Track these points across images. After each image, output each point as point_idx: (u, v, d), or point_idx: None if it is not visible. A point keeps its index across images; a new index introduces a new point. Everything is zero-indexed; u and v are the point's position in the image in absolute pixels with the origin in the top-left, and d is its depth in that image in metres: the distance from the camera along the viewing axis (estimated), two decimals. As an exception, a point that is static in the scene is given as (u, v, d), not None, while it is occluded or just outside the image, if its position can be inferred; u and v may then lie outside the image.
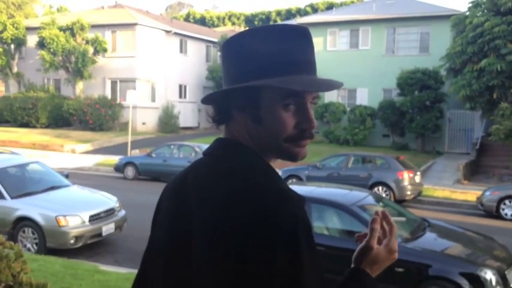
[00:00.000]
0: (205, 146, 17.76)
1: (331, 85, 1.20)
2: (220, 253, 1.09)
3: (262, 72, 1.16)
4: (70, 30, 28.31)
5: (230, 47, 1.23)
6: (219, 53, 33.69)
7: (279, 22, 46.10)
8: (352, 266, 1.32)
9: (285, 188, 1.15)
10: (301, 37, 1.20)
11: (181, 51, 32.34)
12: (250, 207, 1.08)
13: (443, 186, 16.66)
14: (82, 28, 28.46)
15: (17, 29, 30.27)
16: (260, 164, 1.20)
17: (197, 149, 17.22)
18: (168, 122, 29.73)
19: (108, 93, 29.45)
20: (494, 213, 13.02)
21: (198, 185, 1.21)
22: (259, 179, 1.15)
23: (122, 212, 9.39)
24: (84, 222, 8.47)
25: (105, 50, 28.64)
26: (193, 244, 1.15)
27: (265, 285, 1.04)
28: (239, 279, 1.06)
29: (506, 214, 12.92)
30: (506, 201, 12.98)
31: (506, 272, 5.96)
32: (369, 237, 1.33)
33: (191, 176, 1.25)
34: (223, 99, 1.23)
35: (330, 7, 47.11)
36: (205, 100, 1.27)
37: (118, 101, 28.22)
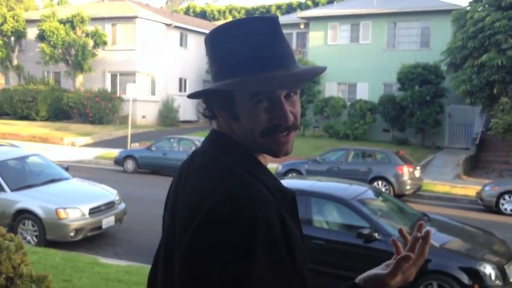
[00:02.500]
0: (205, 140, 17.76)
1: (298, 79, 1.18)
2: (181, 249, 1.10)
3: (232, 70, 1.17)
4: (70, 23, 28.24)
5: (206, 43, 1.25)
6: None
7: (280, 16, 45.95)
8: (358, 282, 1.28)
9: (257, 185, 1.13)
10: (268, 30, 1.18)
11: (181, 44, 32.27)
12: (210, 205, 1.08)
13: (443, 181, 16.67)
14: (82, 21, 28.40)
15: (17, 21, 30.18)
16: (242, 158, 1.20)
17: (197, 143, 17.21)
18: (168, 116, 29.72)
19: (108, 87, 29.41)
20: (494, 208, 13.04)
21: (186, 176, 1.23)
22: (233, 175, 1.14)
23: (122, 205, 9.40)
24: (84, 215, 8.48)
25: (105, 43, 28.59)
26: (174, 237, 1.18)
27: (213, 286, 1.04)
28: (191, 278, 1.07)
29: (505, 209, 12.93)
30: (506, 196, 12.99)
31: (505, 267, 5.97)
32: (392, 272, 1.25)
33: (186, 165, 1.28)
34: (206, 96, 1.26)
35: (331, 1, 46.94)
36: (190, 96, 1.29)
37: (118, 94, 28.20)
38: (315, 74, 1.19)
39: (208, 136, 1.28)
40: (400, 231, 1.34)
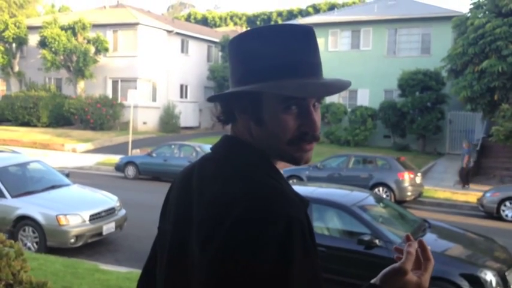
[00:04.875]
0: (206, 146, 17.77)
1: (328, 89, 1.16)
2: (209, 253, 1.08)
3: (262, 74, 1.15)
4: (72, 29, 28.32)
5: (233, 47, 1.23)
6: (220, 53, 33.72)
7: (281, 22, 46.09)
8: (375, 282, 1.26)
9: (285, 189, 1.14)
10: (303, 37, 1.17)
11: (182, 51, 32.34)
12: (243, 207, 1.07)
13: (444, 187, 16.65)
14: (84, 27, 28.48)
15: (18, 28, 30.26)
16: (263, 164, 1.19)
17: (198, 149, 17.22)
18: (169, 122, 29.74)
19: (109, 93, 29.46)
20: (495, 215, 13.02)
21: (200, 182, 1.21)
22: (258, 179, 1.14)
23: (123, 211, 9.38)
24: (84, 221, 8.47)
25: (106, 50, 28.65)
26: (190, 242, 1.15)
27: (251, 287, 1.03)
28: (226, 280, 1.05)
29: (506, 215, 12.91)
30: (507, 203, 12.97)
31: (506, 273, 5.95)
32: (405, 260, 1.23)
33: (196, 172, 1.25)
34: (227, 100, 1.23)
35: (331, 8, 47.06)
36: (211, 99, 1.27)
37: (119, 101, 28.25)
38: (343, 87, 1.18)
39: (222, 142, 1.26)
40: (407, 237, 1.32)
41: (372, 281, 1.27)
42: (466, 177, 16.92)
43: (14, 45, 30.95)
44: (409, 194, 14.24)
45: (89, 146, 24.34)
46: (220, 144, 1.26)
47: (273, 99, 1.15)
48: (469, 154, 16.82)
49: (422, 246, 1.27)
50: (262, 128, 1.18)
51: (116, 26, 29.68)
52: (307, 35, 1.18)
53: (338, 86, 1.17)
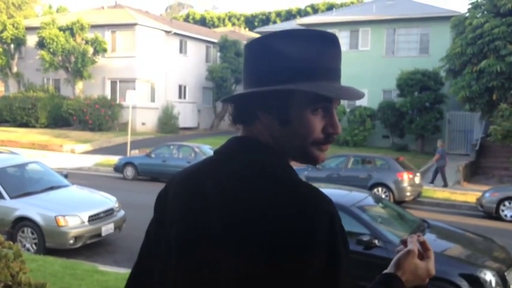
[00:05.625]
0: (204, 146, 17.77)
1: (357, 94, 1.21)
2: (251, 253, 1.08)
3: (291, 75, 1.16)
4: (70, 30, 28.30)
5: (257, 46, 1.22)
6: (218, 54, 33.70)
7: (279, 23, 46.11)
8: (388, 271, 1.31)
9: (315, 187, 1.17)
10: (330, 44, 1.21)
11: (181, 51, 32.33)
12: (285, 206, 1.09)
13: (443, 188, 16.66)
14: (82, 28, 28.46)
15: (16, 28, 30.26)
16: (284, 164, 1.21)
17: (196, 150, 17.21)
18: (167, 123, 29.73)
19: (108, 94, 29.45)
20: (494, 215, 13.02)
21: (221, 185, 1.18)
22: (289, 178, 1.16)
23: (121, 212, 9.37)
24: (83, 222, 8.45)
25: (104, 50, 28.64)
26: (215, 245, 1.13)
27: (302, 285, 1.06)
28: (273, 278, 1.06)
29: (505, 215, 12.92)
30: (506, 203, 12.98)
31: (505, 273, 5.95)
32: (410, 245, 1.34)
33: (208, 176, 1.22)
34: (248, 99, 1.22)
35: (330, 8, 47.11)
36: (229, 99, 1.26)
37: (117, 101, 28.23)
38: (359, 96, 1.22)
39: (236, 143, 1.24)
40: (403, 242, 1.40)
41: (384, 271, 1.32)
42: (443, 175, 16.97)
43: (12, 46, 30.93)
44: (408, 194, 14.24)
45: (88, 146, 24.32)
46: (232, 146, 1.25)
47: (302, 100, 1.17)
48: (441, 154, 16.94)
49: (419, 240, 1.37)
50: (287, 128, 1.19)
51: (114, 27, 29.67)
52: (334, 42, 1.22)
53: (355, 94, 1.22)
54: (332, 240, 1.09)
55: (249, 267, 1.08)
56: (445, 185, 16.80)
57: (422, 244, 1.35)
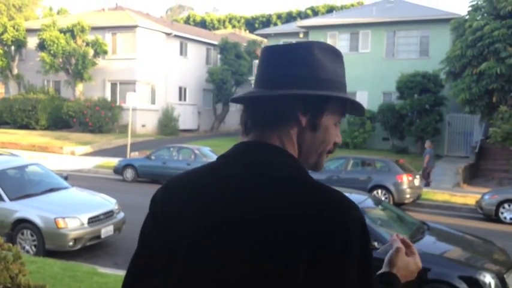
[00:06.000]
0: (205, 149, 17.78)
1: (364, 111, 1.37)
2: (283, 258, 1.07)
3: (330, 84, 1.24)
4: (70, 32, 28.33)
5: (303, 52, 1.25)
6: (219, 56, 33.73)
7: (280, 25, 46.12)
8: (384, 270, 1.38)
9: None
10: (342, 61, 1.32)
11: (181, 53, 32.36)
12: (318, 210, 1.10)
13: (443, 190, 16.66)
14: (82, 30, 28.49)
15: (17, 30, 30.29)
16: (305, 170, 1.23)
17: (197, 152, 17.21)
18: (167, 125, 29.74)
19: (108, 96, 29.47)
20: (494, 217, 13.01)
21: (241, 191, 1.16)
22: (317, 183, 1.18)
23: (121, 214, 9.37)
24: (83, 224, 8.45)
25: (105, 52, 28.66)
26: (234, 251, 1.11)
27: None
28: (309, 282, 1.07)
29: (505, 218, 12.91)
30: (505, 205, 12.97)
31: (505, 276, 5.95)
32: (395, 243, 1.44)
33: (224, 181, 1.19)
34: (286, 100, 1.21)
35: (330, 10, 47.16)
36: (256, 101, 1.26)
37: (118, 103, 28.24)
38: (362, 112, 1.38)
39: (254, 148, 1.23)
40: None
41: (379, 272, 1.36)
42: (428, 175, 17.39)
43: (12, 48, 30.98)
44: (407, 196, 14.23)
45: (88, 148, 24.33)
46: (247, 150, 1.23)
47: (337, 109, 1.26)
48: (430, 154, 17.08)
49: (399, 238, 1.46)
50: (314, 133, 1.24)
51: (114, 29, 29.70)
52: (342, 58, 1.33)
53: (359, 109, 1.36)
54: (366, 247, 1.11)
55: (264, 267, 1.08)
56: (427, 184, 16.92)
57: (403, 242, 1.44)
